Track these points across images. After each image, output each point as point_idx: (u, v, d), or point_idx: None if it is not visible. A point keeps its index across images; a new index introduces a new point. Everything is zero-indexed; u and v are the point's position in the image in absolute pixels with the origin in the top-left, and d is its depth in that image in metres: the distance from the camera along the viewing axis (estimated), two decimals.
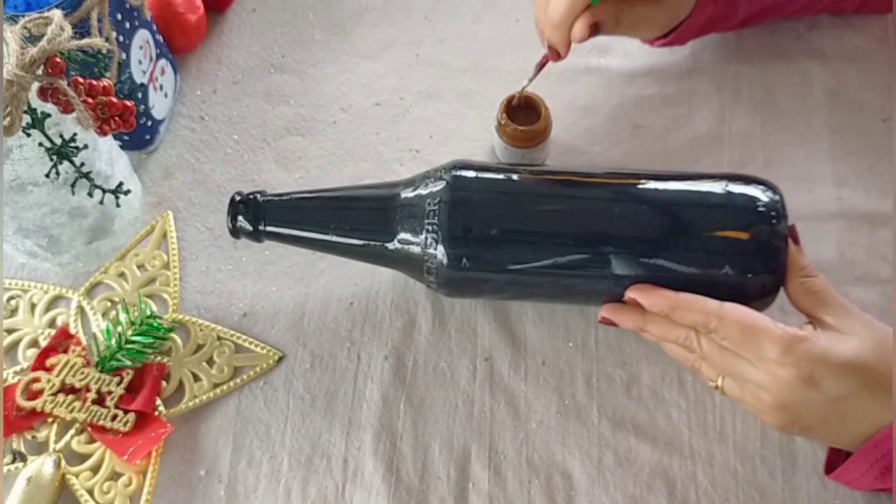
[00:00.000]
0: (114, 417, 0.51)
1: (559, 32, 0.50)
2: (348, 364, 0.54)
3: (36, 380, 0.52)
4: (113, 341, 0.54)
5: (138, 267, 0.58)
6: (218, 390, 0.53)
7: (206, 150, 0.64)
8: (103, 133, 0.46)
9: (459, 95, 0.65)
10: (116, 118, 0.46)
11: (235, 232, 0.51)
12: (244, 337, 0.55)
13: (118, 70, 0.53)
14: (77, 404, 0.51)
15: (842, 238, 0.56)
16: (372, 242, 0.49)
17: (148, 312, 0.55)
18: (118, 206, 0.52)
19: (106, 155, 0.53)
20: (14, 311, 0.57)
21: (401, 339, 0.55)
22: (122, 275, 0.58)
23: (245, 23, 0.70)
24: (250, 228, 0.50)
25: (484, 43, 0.68)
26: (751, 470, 0.49)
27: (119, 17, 0.55)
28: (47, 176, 0.47)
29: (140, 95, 0.59)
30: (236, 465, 0.52)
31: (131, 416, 0.51)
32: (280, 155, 0.63)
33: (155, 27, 0.61)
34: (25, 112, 0.42)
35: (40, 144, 0.46)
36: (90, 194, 0.51)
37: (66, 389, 0.52)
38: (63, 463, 0.51)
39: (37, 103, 0.44)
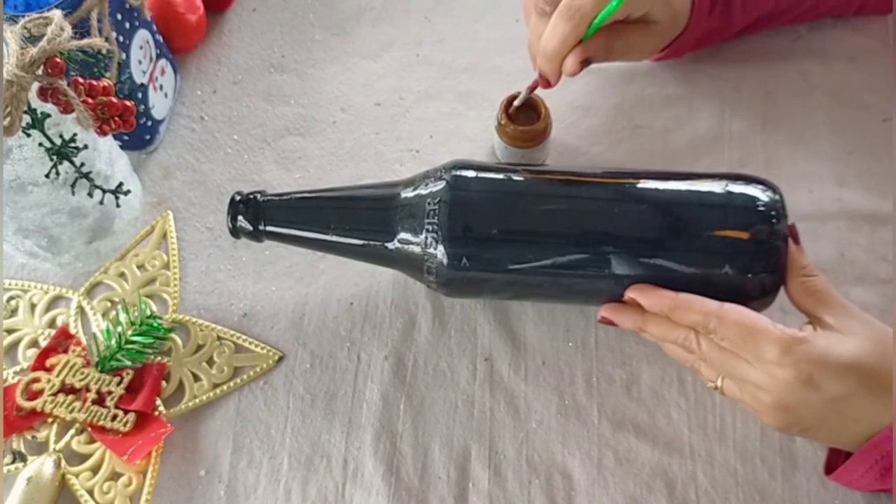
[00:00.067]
0: (114, 417, 0.51)
1: (550, 64, 0.51)
2: (348, 364, 0.54)
3: (36, 380, 0.52)
4: (113, 341, 0.54)
5: (138, 267, 0.58)
6: (218, 390, 0.53)
7: (206, 150, 0.64)
8: (103, 133, 0.46)
9: (459, 95, 0.65)
10: (116, 118, 0.46)
11: (235, 232, 0.51)
12: (244, 337, 0.55)
13: (118, 70, 0.53)
14: (77, 404, 0.51)
15: (842, 238, 0.56)
16: (372, 242, 0.49)
17: (148, 312, 0.55)
18: (118, 206, 0.52)
19: (106, 155, 0.53)
20: (14, 312, 0.57)
21: (401, 339, 0.55)
22: (122, 275, 0.58)
23: (245, 23, 0.70)
24: (250, 228, 0.50)
25: (484, 43, 0.68)
26: (751, 470, 0.49)
27: (119, 17, 0.55)
28: (47, 176, 0.47)
29: (140, 95, 0.59)
30: (236, 465, 0.52)
31: (131, 416, 0.51)
32: (280, 155, 0.63)
33: (155, 27, 0.61)
34: (25, 112, 0.42)
35: (40, 144, 0.46)
36: (90, 194, 0.51)
37: (66, 389, 0.52)
38: (63, 463, 0.51)
39: (37, 103, 0.44)
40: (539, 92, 0.56)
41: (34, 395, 0.52)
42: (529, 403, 0.52)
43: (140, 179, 0.62)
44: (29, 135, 0.45)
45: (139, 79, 0.59)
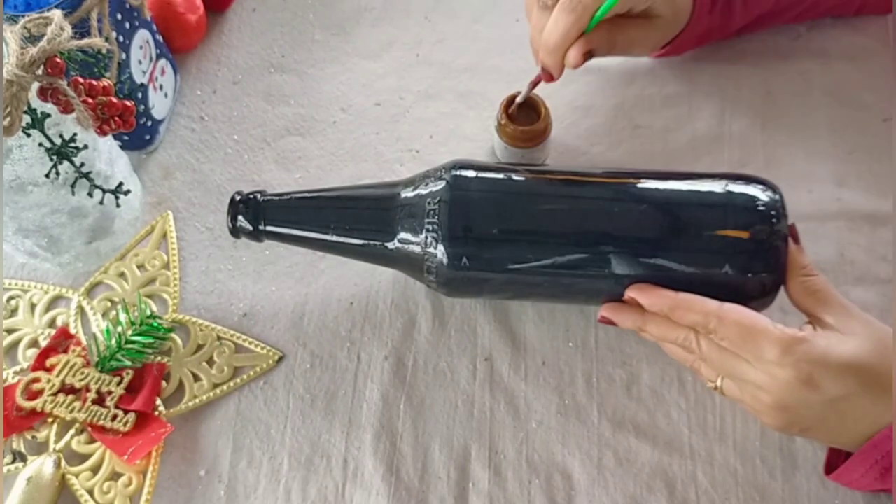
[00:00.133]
0: (114, 417, 0.51)
1: (553, 57, 0.51)
2: (348, 364, 0.54)
3: (36, 380, 0.52)
4: (113, 341, 0.54)
5: (138, 267, 0.58)
6: (218, 390, 0.53)
7: (206, 150, 0.64)
8: (103, 133, 0.46)
9: (459, 95, 0.65)
10: (116, 118, 0.46)
11: (235, 232, 0.51)
12: (244, 337, 0.55)
13: (118, 70, 0.53)
14: (77, 404, 0.51)
15: (842, 238, 0.56)
16: (372, 242, 0.49)
17: (148, 312, 0.55)
18: (118, 206, 0.52)
19: (106, 155, 0.53)
20: (14, 311, 0.57)
21: (401, 339, 0.55)
22: (122, 275, 0.58)
23: (245, 23, 0.70)
24: (250, 228, 0.50)
25: (484, 43, 0.68)
26: (751, 470, 0.49)
27: (119, 17, 0.55)
28: (47, 176, 0.47)
29: (140, 95, 0.59)
30: (236, 465, 0.52)
31: (131, 416, 0.51)
32: (280, 155, 0.63)
33: (155, 27, 0.61)
34: (25, 112, 0.42)
35: (40, 144, 0.46)
36: (90, 194, 0.51)
37: (66, 389, 0.52)
38: (63, 463, 0.51)
39: (37, 103, 0.44)
40: (539, 92, 0.56)
41: (34, 395, 0.52)
42: (529, 403, 0.52)
43: (140, 179, 0.62)
44: (29, 135, 0.45)
45: (139, 79, 0.59)
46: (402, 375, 0.54)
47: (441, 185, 0.48)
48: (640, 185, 0.48)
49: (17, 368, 0.54)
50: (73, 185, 0.49)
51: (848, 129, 0.60)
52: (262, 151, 0.63)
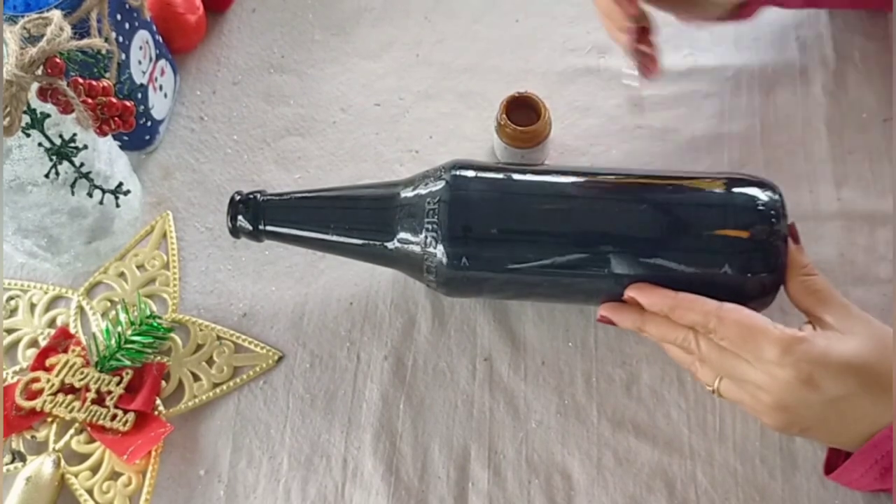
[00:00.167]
0: (113, 417, 0.51)
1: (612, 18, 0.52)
2: (348, 364, 0.54)
3: (35, 380, 0.52)
4: (112, 341, 0.54)
5: (138, 267, 0.58)
6: (217, 390, 0.53)
7: (206, 150, 0.64)
8: (103, 133, 0.46)
9: (459, 95, 0.65)
10: (116, 118, 0.46)
11: (235, 232, 0.51)
12: (244, 337, 0.55)
13: (118, 70, 0.53)
14: (77, 404, 0.51)
15: (842, 238, 0.56)
16: (372, 242, 0.49)
17: (148, 312, 0.55)
18: (118, 206, 0.52)
19: (105, 155, 0.53)
20: (14, 311, 0.57)
21: (400, 339, 0.55)
22: (121, 275, 0.58)
23: (245, 23, 0.70)
24: (250, 228, 0.50)
25: (484, 43, 0.68)
26: (751, 470, 0.49)
27: (119, 17, 0.55)
28: (47, 176, 0.47)
29: (140, 96, 0.59)
30: (236, 464, 0.52)
31: (131, 416, 0.51)
32: (280, 155, 0.63)
33: (154, 27, 0.61)
34: (25, 112, 0.42)
35: (40, 144, 0.46)
36: (90, 194, 0.51)
37: (66, 389, 0.52)
38: (62, 463, 0.51)
39: (36, 103, 0.44)
40: (539, 92, 0.57)
41: (34, 395, 0.52)
42: (529, 403, 0.52)
43: (140, 179, 0.62)
44: (29, 135, 0.45)
45: (139, 79, 0.59)
46: (401, 375, 0.54)
47: (441, 185, 0.48)
48: (639, 186, 0.48)
49: (17, 368, 0.54)
50: (72, 186, 0.49)
51: (848, 129, 0.60)
52: (262, 152, 0.63)
